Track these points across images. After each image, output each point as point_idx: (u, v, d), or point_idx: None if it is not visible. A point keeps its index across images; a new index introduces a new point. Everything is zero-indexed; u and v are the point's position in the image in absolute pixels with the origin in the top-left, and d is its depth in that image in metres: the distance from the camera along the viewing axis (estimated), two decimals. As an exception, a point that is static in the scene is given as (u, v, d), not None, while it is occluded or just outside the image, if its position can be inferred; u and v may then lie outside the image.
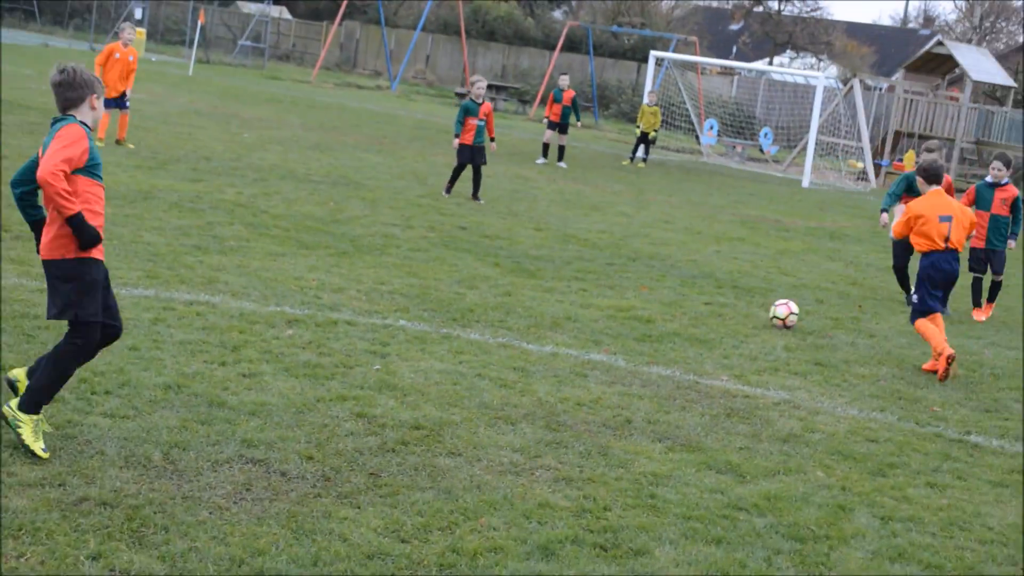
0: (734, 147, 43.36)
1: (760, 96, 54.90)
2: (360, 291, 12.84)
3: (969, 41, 78.70)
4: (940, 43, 50.88)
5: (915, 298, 12.66)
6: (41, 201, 7.42)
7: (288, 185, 19.93)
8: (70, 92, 7.46)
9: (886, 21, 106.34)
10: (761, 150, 43.71)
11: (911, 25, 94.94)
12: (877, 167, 41.06)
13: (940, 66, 48.89)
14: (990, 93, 55.90)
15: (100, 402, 8.30)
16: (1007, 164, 16.17)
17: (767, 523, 7.70)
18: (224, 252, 13.89)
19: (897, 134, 45.04)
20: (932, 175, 12.66)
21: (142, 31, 57.55)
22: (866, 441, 9.76)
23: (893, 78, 61.27)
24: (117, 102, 22.57)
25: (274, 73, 57.12)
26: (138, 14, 61.04)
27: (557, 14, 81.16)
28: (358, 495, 7.36)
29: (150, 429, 7.94)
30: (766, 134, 43.12)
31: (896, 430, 10.20)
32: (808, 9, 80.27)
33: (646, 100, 35.35)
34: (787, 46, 79.40)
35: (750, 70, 57.20)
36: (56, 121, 7.42)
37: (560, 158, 30.61)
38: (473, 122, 20.99)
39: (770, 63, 76.70)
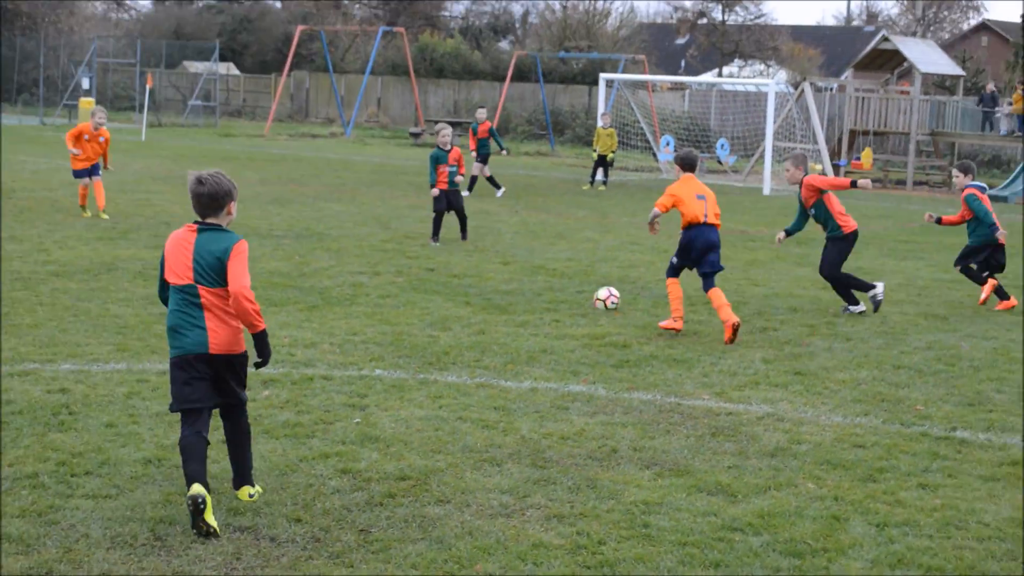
0: (692, 161, 43.37)
1: (713, 108, 55.04)
2: (333, 344, 12.77)
3: (914, 34, 79.22)
4: (886, 39, 51.24)
5: (673, 259, 14.42)
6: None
7: (252, 243, 19.68)
8: (213, 201, 8.09)
9: (830, 21, 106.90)
10: (719, 161, 43.79)
11: (855, 23, 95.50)
12: (836, 167, 41.16)
13: (888, 62, 49.17)
14: (940, 84, 56.22)
15: (81, 484, 8.20)
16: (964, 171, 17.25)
17: (763, 541, 7.64)
18: (193, 317, 13.77)
19: (852, 133, 45.24)
20: (688, 164, 14.60)
21: (90, 100, 57.43)
22: (853, 448, 9.73)
23: (843, 78, 61.57)
24: (89, 172, 22.72)
25: (227, 130, 57.04)
26: (85, 84, 60.92)
27: (504, 45, 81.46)
28: (350, 553, 7.28)
29: (134, 507, 7.84)
30: (722, 145, 43.20)
31: (882, 433, 10.17)
32: (752, 16, 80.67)
33: (600, 123, 35.40)
34: (735, 55, 79.76)
35: (700, 83, 57.38)
36: (207, 229, 8.01)
37: (471, 188, 30.32)
38: (444, 168, 20.90)
39: (719, 74, 77.00)
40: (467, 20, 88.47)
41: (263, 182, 30.80)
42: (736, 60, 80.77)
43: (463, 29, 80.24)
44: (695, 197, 14.12)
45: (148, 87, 51.58)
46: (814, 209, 15.72)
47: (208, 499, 7.37)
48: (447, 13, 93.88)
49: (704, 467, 9.10)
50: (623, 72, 51.30)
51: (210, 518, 7.37)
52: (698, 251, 14.07)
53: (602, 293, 15.44)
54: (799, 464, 9.24)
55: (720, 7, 79.57)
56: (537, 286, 16.84)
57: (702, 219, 14.05)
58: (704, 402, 10.99)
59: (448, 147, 20.98)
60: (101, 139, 22.89)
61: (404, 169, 38.09)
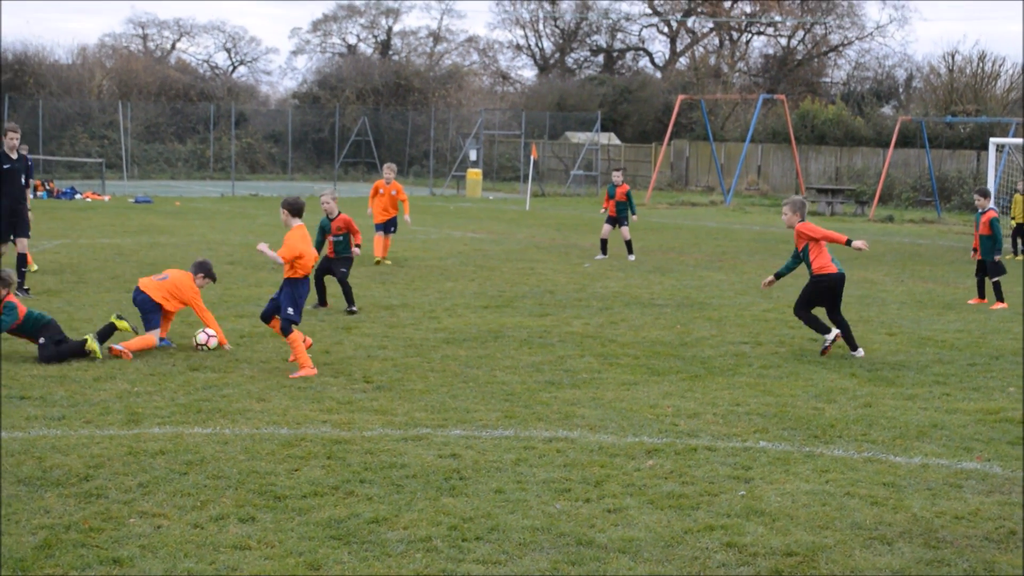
0: (1089, 228, 41.42)
1: (1112, 171, 52.42)
2: (716, 414, 12.70)
3: None
4: None
5: (292, 312, 14.55)
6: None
7: (633, 311, 20.01)
8: (299, 207, 14.53)
9: None
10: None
11: None
12: None
13: None
14: None
15: (471, 549, 8.39)
16: (984, 195, 22.28)
17: None
18: (577, 385, 13.99)
19: None
20: (297, 210, 14.74)
21: (477, 171, 59.37)
22: None
23: None
24: (384, 227, 27.12)
25: (608, 199, 57.81)
26: (472, 155, 63.06)
27: (887, 110, 79.87)
28: (737, 630, 7.18)
29: (522, 574, 7.95)
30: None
31: None
32: None
33: (1019, 188, 34.10)
34: None
35: (1098, 146, 54.79)
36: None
37: (630, 251, 29.57)
38: (330, 238, 19.88)
39: (1118, 136, 73.37)
40: (849, 86, 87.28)
41: (643, 251, 31.03)
42: None
43: (845, 95, 79.16)
44: (310, 244, 14.88)
45: (533, 158, 52.85)
46: (803, 253, 16.51)
47: None
48: (828, 79, 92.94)
49: (1111, 553, 8.59)
50: (1014, 136, 49.53)
51: None
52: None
53: (200, 337, 15.72)
54: None
55: (1119, 66, 75.99)
56: (925, 358, 16.34)
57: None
58: (1110, 484, 10.40)
59: (333, 215, 19.92)
60: (393, 192, 27.14)
61: (785, 237, 37.72)
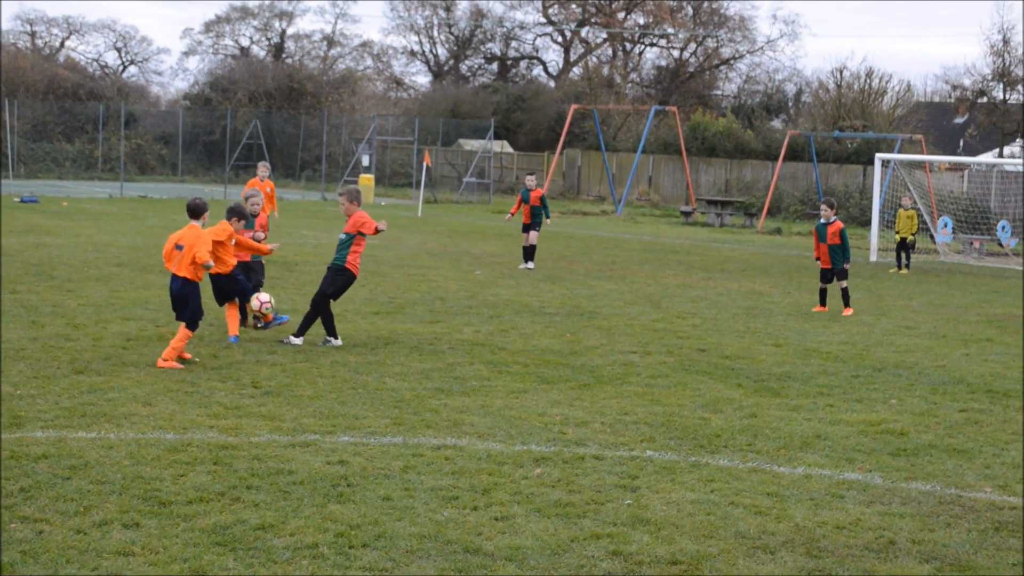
0: (971, 243, 42.29)
1: (993, 189, 53.51)
2: (604, 423, 12.78)
3: None
4: None
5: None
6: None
7: (524, 320, 20.07)
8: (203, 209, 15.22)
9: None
10: (1000, 244, 42.48)
11: None
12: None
13: None
14: None
15: (358, 556, 8.37)
16: (831, 206, 23.47)
17: (1052, 645, 7.32)
18: (467, 393, 14.00)
19: None
20: (190, 211, 15.37)
21: (370, 177, 59.19)
22: None
23: None
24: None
25: (500, 207, 57.93)
26: (365, 161, 62.86)
27: (776, 124, 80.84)
28: (621, 638, 7.22)
29: (409, 581, 7.95)
30: (1004, 227, 41.92)
31: None
32: (1035, 96, 78.23)
33: (902, 203, 34.81)
34: (1016, 135, 77.48)
35: (980, 164, 55.90)
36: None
37: (529, 259, 29.25)
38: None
39: (1000, 154, 74.90)
40: (740, 99, 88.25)
41: (535, 259, 31.09)
42: (1018, 140, 78.44)
43: (735, 108, 79.99)
44: (173, 247, 15.16)
45: (426, 164, 52.76)
46: (344, 236, 17.10)
47: None
48: (719, 92, 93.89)
49: (987, 563, 8.78)
50: (899, 152, 50.38)
51: None
52: (171, 298, 15.27)
53: (255, 304, 16.86)
54: (1089, 564, 8.83)
55: (1001, 86, 77.56)
56: (810, 369, 16.57)
57: (170, 268, 15.19)
58: (987, 495, 10.62)
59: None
60: (268, 189, 27.21)
61: (675, 248, 38.08)
